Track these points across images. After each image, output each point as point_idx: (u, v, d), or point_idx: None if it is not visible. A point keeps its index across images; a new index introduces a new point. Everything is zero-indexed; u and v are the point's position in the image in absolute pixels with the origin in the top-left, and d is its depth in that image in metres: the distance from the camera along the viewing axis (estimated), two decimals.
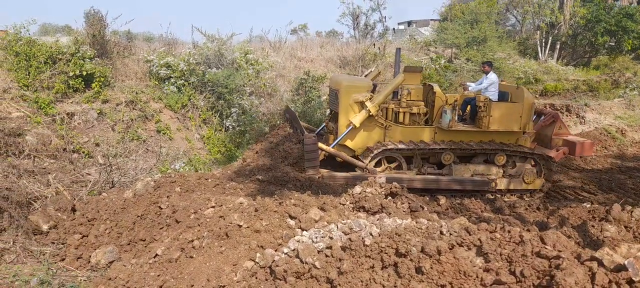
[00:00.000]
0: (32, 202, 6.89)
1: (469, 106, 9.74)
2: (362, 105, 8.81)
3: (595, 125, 16.52)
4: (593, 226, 5.59)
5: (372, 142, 9.08)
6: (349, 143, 9.07)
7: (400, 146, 8.88)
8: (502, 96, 9.58)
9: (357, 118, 8.72)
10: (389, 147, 8.84)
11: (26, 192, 6.97)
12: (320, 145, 8.58)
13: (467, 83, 10.54)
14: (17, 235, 5.84)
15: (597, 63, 22.70)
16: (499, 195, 9.48)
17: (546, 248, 3.01)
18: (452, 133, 9.15)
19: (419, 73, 9.91)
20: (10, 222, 6.01)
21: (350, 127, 8.80)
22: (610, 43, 22.42)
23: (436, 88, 9.42)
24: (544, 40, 22.66)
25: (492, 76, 9.45)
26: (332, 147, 8.96)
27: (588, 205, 7.40)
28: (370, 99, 8.81)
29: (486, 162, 9.40)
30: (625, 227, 5.57)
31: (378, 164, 9.10)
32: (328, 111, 10.50)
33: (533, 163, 9.57)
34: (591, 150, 9.67)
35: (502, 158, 9.28)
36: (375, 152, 8.76)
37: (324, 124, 10.37)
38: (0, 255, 5.43)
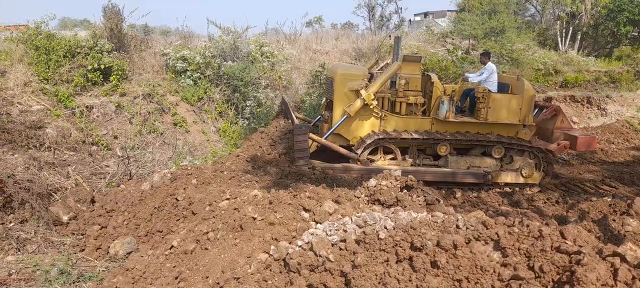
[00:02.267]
0: (53, 193, 7.03)
1: (468, 97, 9.57)
2: (357, 93, 8.65)
3: (617, 117, 16.14)
4: (614, 220, 5.47)
5: (367, 131, 8.92)
6: (344, 132, 8.92)
7: (405, 135, 8.76)
8: (503, 87, 9.38)
9: (352, 107, 8.55)
10: (391, 136, 8.72)
11: (47, 183, 7.12)
12: (311, 135, 8.47)
13: (467, 74, 10.39)
14: (38, 226, 5.97)
15: (619, 54, 22.14)
16: (515, 189, 9.33)
17: (566, 243, 2.94)
18: (449, 124, 8.98)
19: (417, 63, 9.69)
20: (31, 213, 6.14)
21: (345, 116, 8.64)
22: (633, 33, 21.81)
23: (434, 78, 9.26)
24: (564, 31, 22.18)
25: (491, 66, 9.26)
26: (327, 136, 8.83)
27: (609, 199, 7.24)
28: (365, 87, 8.65)
29: (484, 154, 9.23)
30: None
31: (372, 154, 8.98)
32: (324, 99, 10.35)
33: (532, 156, 9.37)
34: (594, 145, 9.41)
35: (500, 150, 9.11)
36: (369, 141, 8.63)
37: (320, 115, 10.23)
38: (22, 245, 5.56)
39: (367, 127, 8.94)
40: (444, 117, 8.82)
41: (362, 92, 8.57)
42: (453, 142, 8.97)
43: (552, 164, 9.67)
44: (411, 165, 8.99)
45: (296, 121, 8.58)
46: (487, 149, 9.17)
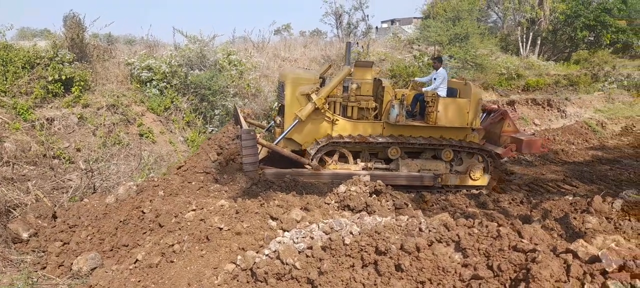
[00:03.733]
0: (12, 210, 6.77)
1: (418, 102, 9.75)
2: (308, 98, 8.68)
3: (576, 119, 16.80)
4: (575, 218, 5.68)
5: (319, 136, 8.94)
6: (296, 137, 8.92)
7: (356, 139, 8.83)
8: (451, 92, 9.61)
9: (303, 111, 8.58)
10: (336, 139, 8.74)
11: (5, 199, 6.85)
12: (260, 140, 8.42)
13: (417, 79, 10.60)
14: None
15: (577, 58, 23.09)
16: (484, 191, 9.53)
17: (523, 242, 3.05)
18: (400, 128, 9.12)
19: (369, 68, 9.84)
20: None
21: (297, 121, 8.65)
22: (590, 38, 22.81)
23: (386, 83, 9.37)
24: (524, 36, 22.96)
25: (442, 71, 9.49)
26: (278, 141, 8.80)
27: (570, 198, 7.51)
28: (316, 91, 8.69)
29: (434, 157, 9.43)
30: (606, 218, 5.67)
31: (322, 159, 8.98)
32: (276, 104, 10.33)
33: (481, 159, 9.60)
34: (539, 148, 9.75)
35: (449, 154, 9.30)
36: (320, 145, 8.65)
37: (273, 120, 10.15)
38: None
39: (318, 132, 8.95)
40: (395, 121, 8.93)
41: (313, 96, 8.60)
42: (403, 146, 9.11)
43: (499, 167, 9.92)
44: (363, 169, 9.05)
45: (245, 126, 8.50)
46: (437, 152, 9.36)
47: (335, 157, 9.06)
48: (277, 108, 9.96)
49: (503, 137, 9.86)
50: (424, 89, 9.66)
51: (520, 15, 23.69)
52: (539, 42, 23.28)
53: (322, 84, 9.18)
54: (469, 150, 9.38)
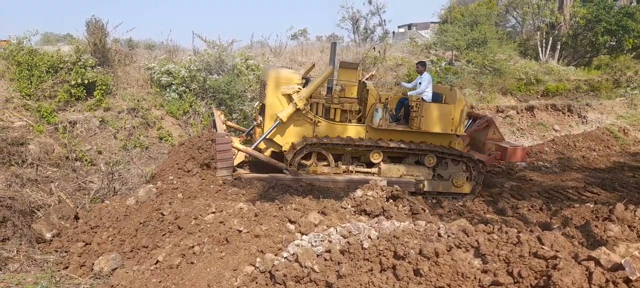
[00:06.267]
0: (35, 210, 6.94)
1: (403, 106, 9.60)
2: (289, 98, 8.45)
3: (598, 125, 16.50)
4: (596, 226, 5.59)
5: (300, 138, 8.69)
6: (277, 139, 8.68)
7: (338, 142, 8.62)
8: (437, 97, 9.45)
9: (284, 112, 8.31)
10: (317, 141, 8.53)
11: (29, 200, 7.02)
12: (236, 144, 8.26)
13: (403, 83, 10.51)
14: (20, 244, 5.88)
15: (598, 63, 22.65)
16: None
17: (543, 249, 3.02)
18: (383, 132, 8.94)
19: (354, 70, 9.67)
20: (13, 231, 6.05)
21: (278, 122, 8.39)
22: (611, 42, 22.36)
23: (370, 85, 9.21)
24: (544, 41, 22.64)
25: (427, 76, 9.35)
26: (259, 143, 8.61)
27: (591, 205, 7.38)
28: (297, 92, 8.46)
29: (417, 163, 9.25)
30: (629, 226, 5.56)
31: (305, 160, 8.80)
32: (257, 104, 9.91)
33: (464, 166, 9.40)
34: (523, 157, 9.55)
35: (432, 159, 9.12)
36: (298, 147, 8.46)
37: (254, 119, 9.91)
38: (4, 264, 5.47)
39: (300, 133, 8.72)
40: (378, 125, 8.76)
41: (294, 96, 8.40)
42: (386, 150, 8.94)
43: (483, 174, 9.61)
44: (344, 172, 8.91)
45: (221, 130, 8.31)
46: (420, 158, 9.19)
47: (322, 163, 8.89)
48: (257, 107, 9.64)
49: (488, 145, 9.71)
50: (409, 94, 9.52)
51: (540, 19, 23.38)
52: (558, 47, 22.92)
53: (306, 85, 8.90)
54: (452, 156, 9.19)
